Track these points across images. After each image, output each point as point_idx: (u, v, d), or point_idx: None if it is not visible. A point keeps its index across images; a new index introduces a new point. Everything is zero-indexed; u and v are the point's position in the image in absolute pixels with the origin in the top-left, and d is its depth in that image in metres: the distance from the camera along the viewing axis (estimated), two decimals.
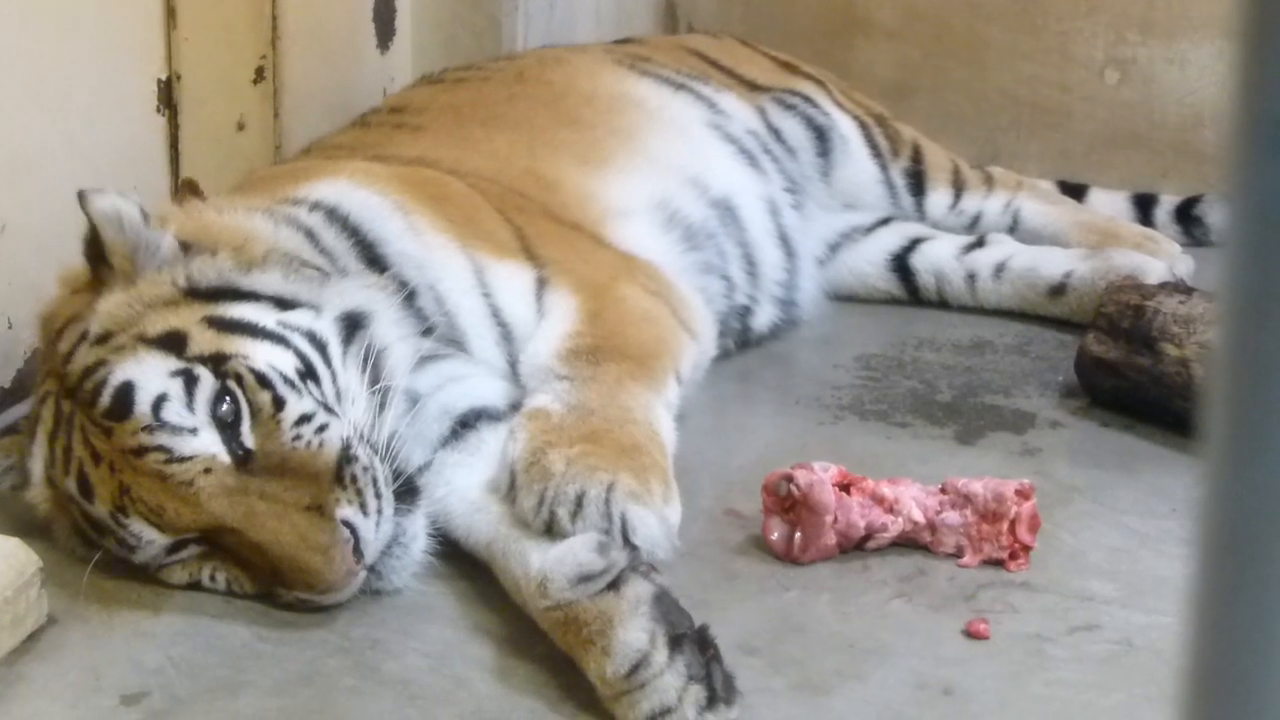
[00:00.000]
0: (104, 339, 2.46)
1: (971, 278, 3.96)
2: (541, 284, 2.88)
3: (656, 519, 2.33)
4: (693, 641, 2.14)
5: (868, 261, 4.03)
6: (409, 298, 2.71)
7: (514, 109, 3.54)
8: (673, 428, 2.67)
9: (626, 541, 2.29)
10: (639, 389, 2.61)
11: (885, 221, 4.09)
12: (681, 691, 2.10)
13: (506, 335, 2.82)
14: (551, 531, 2.34)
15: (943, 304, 3.99)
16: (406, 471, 2.53)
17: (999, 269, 3.94)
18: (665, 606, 2.18)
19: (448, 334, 2.78)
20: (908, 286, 4.02)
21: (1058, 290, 3.85)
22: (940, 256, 4.00)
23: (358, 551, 2.38)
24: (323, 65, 3.99)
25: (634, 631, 2.13)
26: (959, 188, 4.21)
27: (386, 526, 2.43)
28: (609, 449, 2.42)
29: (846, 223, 4.05)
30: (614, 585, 2.20)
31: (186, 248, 2.55)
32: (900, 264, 4.02)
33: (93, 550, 2.46)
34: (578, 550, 2.25)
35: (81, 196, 2.53)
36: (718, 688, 2.12)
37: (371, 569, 2.43)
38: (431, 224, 2.86)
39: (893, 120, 4.28)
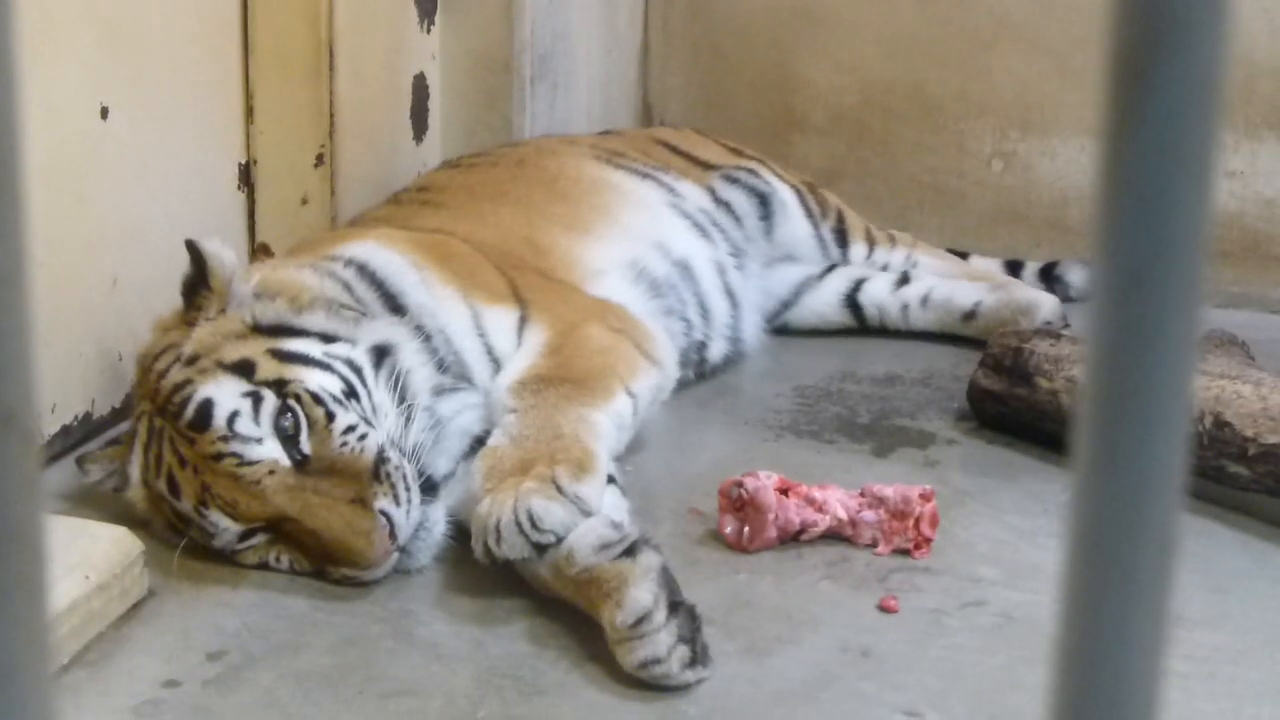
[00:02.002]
0: (193, 360, 2.47)
1: (905, 308, 4.06)
2: (523, 321, 2.88)
3: (559, 504, 2.28)
4: (686, 611, 2.15)
5: (824, 303, 4.09)
6: (425, 339, 2.71)
7: (516, 188, 3.54)
8: (611, 425, 2.62)
9: (537, 528, 2.26)
10: (573, 406, 2.57)
11: (830, 270, 4.14)
12: (672, 648, 2.09)
13: (498, 368, 2.80)
14: (495, 562, 2.32)
15: (883, 329, 4.07)
16: (428, 473, 2.53)
17: (924, 300, 4.05)
18: (668, 578, 2.18)
19: (458, 370, 2.77)
20: (857, 318, 4.09)
21: (970, 315, 3.98)
22: (879, 292, 4.09)
23: (393, 535, 2.39)
24: (370, 153, 3.99)
25: (643, 591, 2.12)
26: (871, 243, 4.28)
27: (415, 514, 2.43)
28: (531, 469, 2.38)
29: (801, 274, 4.09)
30: (630, 553, 2.19)
31: (255, 295, 2.57)
32: (850, 301, 4.09)
33: (181, 538, 2.46)
34: (596, 526, 2.25)
35: (191, 241, 2.55)
36: (699, 652, 2.12)
37: (403, 549, 2.43)
38: (440, 278, 2.86)
39: (820, 188, 4.32)
